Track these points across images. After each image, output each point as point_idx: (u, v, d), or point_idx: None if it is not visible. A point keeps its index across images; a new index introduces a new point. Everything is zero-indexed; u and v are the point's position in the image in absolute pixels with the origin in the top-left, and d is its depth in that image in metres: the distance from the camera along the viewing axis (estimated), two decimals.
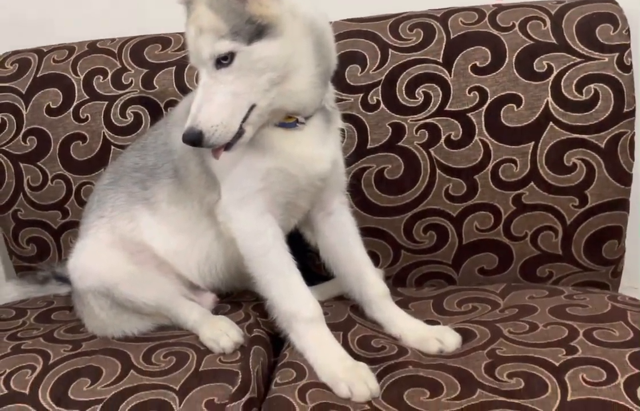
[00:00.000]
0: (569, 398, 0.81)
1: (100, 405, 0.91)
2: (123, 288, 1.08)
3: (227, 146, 0.93)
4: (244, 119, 0.92)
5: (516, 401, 0.82)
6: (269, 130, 0.98)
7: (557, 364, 0.87)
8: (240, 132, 0.92)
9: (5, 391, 0.95)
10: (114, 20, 1.50)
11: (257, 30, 0.89)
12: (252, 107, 0.92)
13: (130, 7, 1.54)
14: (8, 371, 1.00)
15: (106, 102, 1.37)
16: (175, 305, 1.11)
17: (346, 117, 1.24)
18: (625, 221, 1.20)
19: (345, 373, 0.91)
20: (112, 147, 1.36)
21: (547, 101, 1.19)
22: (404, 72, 1.25)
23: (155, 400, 0.91)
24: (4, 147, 1.41)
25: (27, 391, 0.95)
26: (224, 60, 0.89)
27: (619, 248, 1.21)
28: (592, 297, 1.07)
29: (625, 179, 1.18)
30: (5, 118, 1.41)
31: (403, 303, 1.15)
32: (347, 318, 1.10)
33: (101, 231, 1.14)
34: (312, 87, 0.97)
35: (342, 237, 1.11)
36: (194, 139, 0.90)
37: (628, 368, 0.84)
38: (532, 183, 1.21)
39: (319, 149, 1.02)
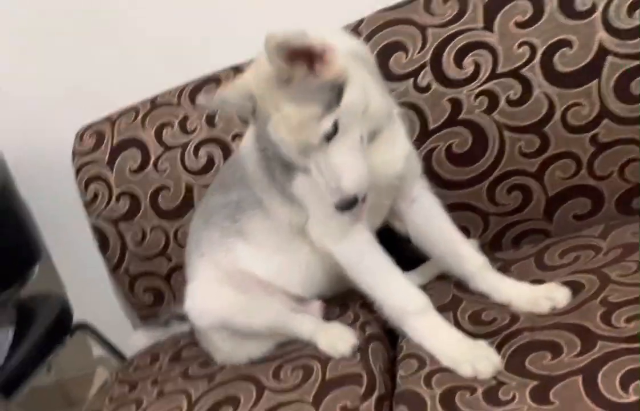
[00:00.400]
0: None
1: None
2: (238, 318, 1.17)
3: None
4: None
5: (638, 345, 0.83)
6: None
7: None
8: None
9: None
10: (163, 74, 1.57)
11: (338, 90, 0.94)
12: None
13: (173, 57, 1.61)
14: None
15: (179, 150, 1.46)
16: (288, 321, 1.19)
17: (402, 105, 1.25)
18: None
19: (466, 353, 0.95)
20: (194, 188, 1.46)
21: (600, 36, 1.17)
22: (448, 47, 1.26)
23: None
24: (103, 214, 1.53)
25: None
26: (328, 134, 0.94)
27: None
28: None
29: None
30: (97, 188, 1.52)
31: (504, 268, 1.17)
32: (452, 296, 1.14)
33: (205, 269, 1.23)
34: (382, 99, 1.03)
35: (429, 220, 1.15)
36: (351, 205, 0.95)
37: None
38: (605, 120, 1.19)
39: (391, 152, 1.06)
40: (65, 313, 1.67)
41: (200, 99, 0.99)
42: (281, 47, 0.88)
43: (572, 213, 1.26)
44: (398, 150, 1.07)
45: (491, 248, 1.32)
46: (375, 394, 0.99)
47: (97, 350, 1.94)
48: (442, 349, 0.98)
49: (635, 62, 1.16)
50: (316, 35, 0.92)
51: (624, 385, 0.79)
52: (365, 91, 0.98)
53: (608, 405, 0.78)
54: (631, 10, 1.16)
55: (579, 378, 0.83)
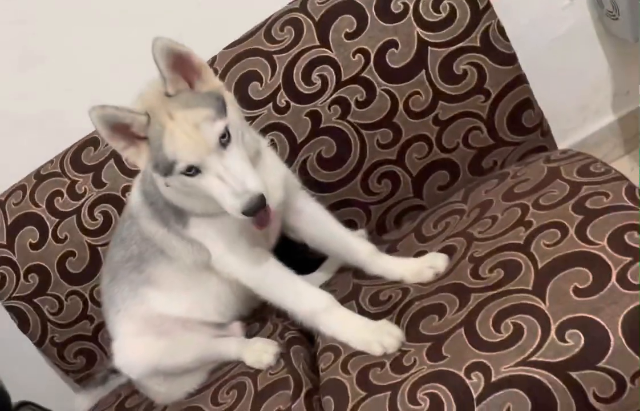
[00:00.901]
0: (539, 267, 0.94)
1: None
2: (165, 361, 1.20)
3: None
4: None
5: (502, 288, 0.95)
6: None
7: (521, 242, 1.00)
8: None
9: None
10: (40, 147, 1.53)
11: (223, 104, 0.98)
12: None
13: (47, 129, 1.56)
14: None
15: (75, 216, 1.44)
16: (213, 348, 1.23)
17: (268, 128, 1.34)
18: (529, 91, 1.31)
19: (373, 334, 1.03)
20: (99, 248, 1.44)
21: (417, 32, 1.29)
22: (295, 68, 1.34)
23: None
24: (15, 297, 1.47)
25: None
26: (223, 139, 0.95)
27: (536, 113, 1.32)
28: (531, 168, 1.20)
29: (510, 59, 1.29)
30: (3, 271, 1.47)
31: (392, 247, 1.28)
32: (352, 286, 1.22)
33: (124, 324, 1.24)
34: (250, 136, 1.09)
35: (317, 225, 1.23)
36: (258, 204, 0.93)
37: (574, 218, 0.97)
38: (440, 102, 1.31)
39: (269, 184, 1.06)
40: (2, 397, 1.59)
41: (92, 110, 0.95)
42: (166, 49, 0.92)
43: (435, 185, 1.38)
44: (274, 180, 1.11)
45: (378, 233, 1.42)
46: (303, 392, 1.06)
47: None
48: (352, 335, 1.06)
49: (451, 48, 1.28)
50: None
51: (496, 326, 0.91)
52: (239, 115, 1.02)
53: (487, 345, 0.89)
54: (436, 5, 1.28)
55: (462, 330, 0.94)
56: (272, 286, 1.13)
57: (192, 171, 0.96)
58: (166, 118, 0.95)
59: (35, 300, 1.47)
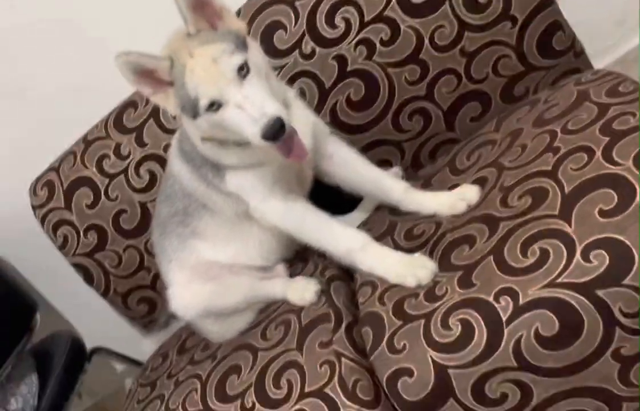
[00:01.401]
0: (566, 191, 0.96)
1: (252, 387, 1.13)
2: (214, 303, 1.30)
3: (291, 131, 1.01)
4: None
5: (530, 215, 0.98)
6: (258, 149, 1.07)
7: (549, 168, 1.02)
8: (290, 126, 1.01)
9: None
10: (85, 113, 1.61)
11: (244, 41, 1.02)
12: None
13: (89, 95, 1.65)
14: (180, 401, 1.24)
15: (122, 176, 1.54)
16: (259, 289, 1.31)
17: (295, 76, 1.38)
18: (558, 13, 1.28)
19: (407, 267, 1.08)
20: (148, 204, 1.54)
21: None
22: (317, 12, 1.35)
23: (286, 362, 1.12)
24: (78, 254, 1.60)
25: (201, 407, 1.19)
26: (241, 71, 0.98)
27: (566, 35, 1.30)
28: (561, 92, 1.19)
29: None
30: (65, 232, 1.59)
31: (426, 182, 1.31)
32: (388, 223, 1.27)
33: (176, 272, 1.34)
34: (277, 84, 1.13)
35: (349, 167, 1.26)
36: (277, 126, 0.95)
37: (600, 140, 0.98)
38: (466, 33, 1.30)
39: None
40: (77, 344, 1.78)
41: (118, 60, 0.98)
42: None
43: (468, 117, 1.39)
44: (303, 128, 1.13)
45: (413, 169, 1.45)
46: (344, 324, 1.14)
47: (120, 366, 2.07)
48: (387, 269, 1.11)
49: None
50: None
51: (524, 252, 0.94)
52: (263, 58, 1.06)
53: (515, 271, 0.93)
54: None
55: (491, 258, 0.98)
56: (309, 230, 1.20)
57: (215, 106, 0.99)
58: (187, 57, 0.99)
59: (96, 256, 1.59)
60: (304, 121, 1.17)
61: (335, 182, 1.29)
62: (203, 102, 0.99)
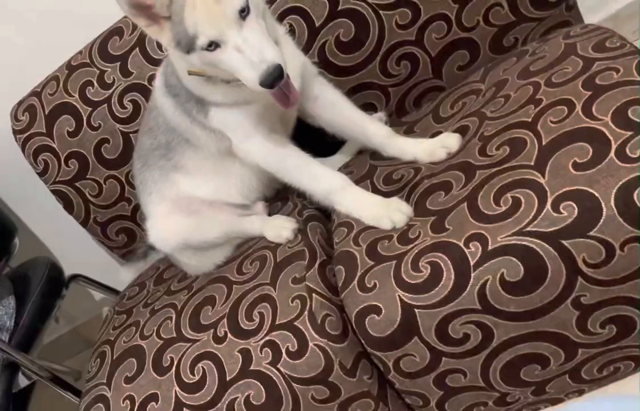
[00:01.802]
0: (543, 143, 0.97)
1: (225, 318, 1.16)
2: (193, 237, 1.31)
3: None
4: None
5: (506, 165, 0.99)
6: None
7: (529, 120, 1.02)
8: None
9: (160, 342, 1.23)
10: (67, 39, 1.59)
11: None
12: None
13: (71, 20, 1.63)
14: (155, 328, 1.27)
15: (105, 105, 1.53)
16: (237, 225, 1.33)
17: (286, 12, 1.36)
18: None
19: (384, 210, 1.09)
20: (130, 135, 1.53)
21: None
22: None
23: (260, 295, 1.15)
24: (58, 181, 1.60)
25: (174, 334, 1.22)
26: (242, 13, 0.96)
27: None
28: (549, 44, 1.18)
29: None
30: (45, 158, 1.59)
31: (410, 129, 1.32)
32: (369, 167, 1.28)
33: (156, 205, 1.35)
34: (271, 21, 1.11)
35: (334, 110, 1.26)
36: (275, 74, 0.94)
37: (582, 94, 0.98)
38: None
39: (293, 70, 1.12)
40: (55, 269, 1.80)
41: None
42: None
43: (455, 65, 1.38)
44: (292, 69, 1.11)
45: (397, 115, 1.45)
46: (317, 262, 1.16)
47: (98, 295, 2.09)
48: (364, 211, 1.13)
49: None
50: None
51: (497, 200, 0.96)
52: (261, 1, 1.04)
53: (486, 218, 0.95)
54: None
55: (465, 205, 1.00)
56: (290, 169, 1.20)
57: (212, 46, 0.98)
58: None
59: (76, 184, 1.60)
60: (294, 61, 1.16)
61: (319, 124, 1.29)
62: (201, 41, 0.98)
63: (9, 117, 1.59)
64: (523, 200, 0.93)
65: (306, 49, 1.36)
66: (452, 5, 1.31)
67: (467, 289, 0.92)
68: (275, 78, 0.95)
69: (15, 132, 1.59)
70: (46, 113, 1.56)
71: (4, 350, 1.51)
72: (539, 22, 1.32)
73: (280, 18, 1.36)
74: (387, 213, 1.09)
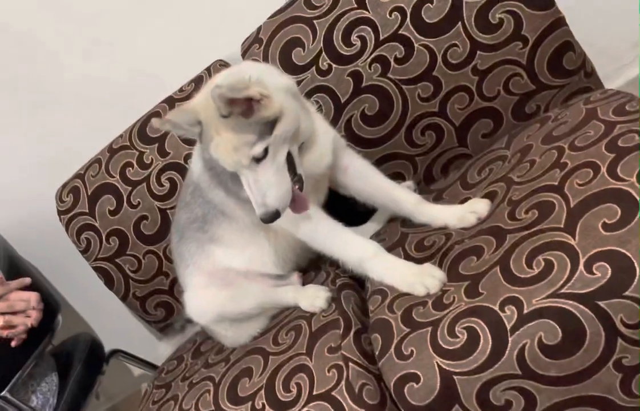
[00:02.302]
0: (571, 205, 0.99)
1: (262, 390, 1.17)
2: (229, 308, 1.34)
3: (300, 185, 1.14)
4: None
5: (536, 228, 1.00)
6: None
7: (556, 183, 1.04)
8: (300, 178, 1.14)
9: None
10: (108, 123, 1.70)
11: (271, 125, 1.08)
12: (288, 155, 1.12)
13: (115, 105, 1.75)
14: (193, 402, 1.28)
15: (144, 184, 1.61)
16: (272, 296, 1.35)
17: (312, 91, 1.43)
18: (569, 33, 1.31)
19: (417, 276, 1.11)
20: (168, 211, 1.61)
21: None
22: (335, 31, 1.41)
23: (296, 366, 1.16)
24: (99, 258, 1.67)
25: (213, 408, 1.22)
26: (258, 160, 1.08)
27: (577, 54, 1.33)
28: (571, 110, 1.22)
29: (546, 4, 1.30)
30: (88, 237, 1.66)
31: (438, 196, 1.35)
32: (400, 234, 1.30)
33: (193, 277, 1.39)
34: (307, 119, 1.18)
35: (363, 179, 1.31)
36: (274, 217, 1.09)
37: (606, 157, 1.01)
38: (479, 52, 1.35)
39: (319, 150, 1.21)
40: (96, 345, 1.83)
41: (154, 122, 1.10)
42: (224, 97, 1.02)
43: (479, 133, 1.42)
44: (324, 146, 1.21)
45: (426, 183, 1.49)
46: (352, 330, 1.17)
47: (137, 370, 2.12)
48: (397, 278, 1.14)
49: None
50: (258, 78, 1.07)
51: (529, 263, 0.97)
52: (297, 119, 1.12)
53: (520, 281, 0.96)
54: None
55: (497, 268, 1.01)
56: (323, 237, 1.24)
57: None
58: (214, 132, 1.08)
59: (117, 260, 1.66)
60: (325, 137, 1.23)
61: (350, 193, 1.33)
62: (222, 167, 1.12)
63: (52, 199, 1.68)
64: (555, 262, 0.94)
65: (333, 124, 1.42)
66: (472, 77, 1.37)
67: (506, 354, 0.92)
68: (272, 219, 1.09)
69: (59, 213, 1.67)
70: (89, 194, 1.64)
71: None
72: (559, 89, 1.36)
73: (308, 96, 1.44)
74: (420, 279, 1.10)
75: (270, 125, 1.07)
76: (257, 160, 1.08)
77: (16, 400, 1.48)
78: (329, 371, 1.11)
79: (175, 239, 1.44)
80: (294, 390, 1.13)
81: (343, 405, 1.06)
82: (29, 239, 1.86)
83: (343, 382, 1.08)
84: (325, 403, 1.07)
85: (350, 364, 1.11)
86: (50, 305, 1.77)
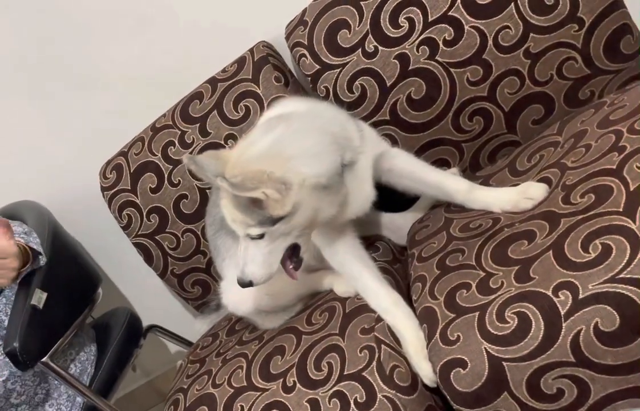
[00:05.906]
0: (631, 188, 0.91)
1: (294, 368, 1.13)
2: (265, 302, 1.31)
3: (297, 265, 1.10)
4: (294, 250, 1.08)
5: (592, 212, 0.93)
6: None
7: (614, 167, 0.97)
8: (300, 260, 1.09)
9: (231, 390, 1.21)
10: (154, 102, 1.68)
11: (275, 221, 1.01)
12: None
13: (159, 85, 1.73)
14: (226, 377, 1.25)
15: None
16: (309, 284, 1.32)
17: (358, 74, 1.37)
18: (626, 16, 1.23)
19: (421, 342, 1.02)
20: (206, 191, 1.57)
21: None
22: (382, 12, 1.36)
23: (328, 345, 1.12)
24: (140, 235, 1.65)
25: (245, 383, 1.19)
26: (254, 237, 1.04)
27: (635, 38, 1.24)
28: (629, 94, 1.14)
29: None
30: (129, 213, 1.64)
31: (485, 182, 1.28)
32: (444, 219, 1.23)
33: (229, 270, 1.36)
34: (336, 202, 1.08)
35: (409, 175, 1.22)
36: (247, 286, 1.07)
37: None
38: (531, 34, 1.27)
39: (361, 192, 1.14)
40: (134, 320, 1.82)
41: (184, 157, 1.05)
42: (234, 190, 0.97)
43: (530, 119, 1.35)
44: (367, 187, 1.14)
45: (471, 170, 1.41)
46: None
47: (173, 347, 2.11)
48: (408, 336, 1.06)
49: None
50: (283, 176, 0.98)
51: (585, 247, 0.90)
52: (311, 217, 1.04)
53: (575, 266, 0.89)
54: None
55: (550, 253, 0.94)
56: (340, 265, 1.20)
57: None
58: (224, 193, 1.04)
59: (156, 237, 1.64)
60: (366, 162, 1.14)
61: (396, 189, 1.25)
62: None
63: (96, 176, 1.68)
64: (614, 246, 0.86)
65: (377, 108, 1.38)
66: (523, 60, 1.29)
67: (559, 340, 0.85)
68: (245, 287, 1.07)
69: (103, 189, 1.66)
70: (131, 171, 1.63)
71: (85, 393, 1.52)
72: (615, 75, 1.27)
73: (352, 80, 1.39)
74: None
75: (270, 222, 1.01)
76: (252, 238, 1.04)
77: (56, 366, 1.47)
78: (360, 351, 1.07)
79: (210, 231, 1.41)
80: (325, 369, 1.09)
81: (373, 385, 1.02)
82: (73, 214, 1.85)
83: (374, 363, 1.04)
84: (356, 383, 1.03)
85: (383, 346, 1.06)
86: (91, 278, 1.77)
